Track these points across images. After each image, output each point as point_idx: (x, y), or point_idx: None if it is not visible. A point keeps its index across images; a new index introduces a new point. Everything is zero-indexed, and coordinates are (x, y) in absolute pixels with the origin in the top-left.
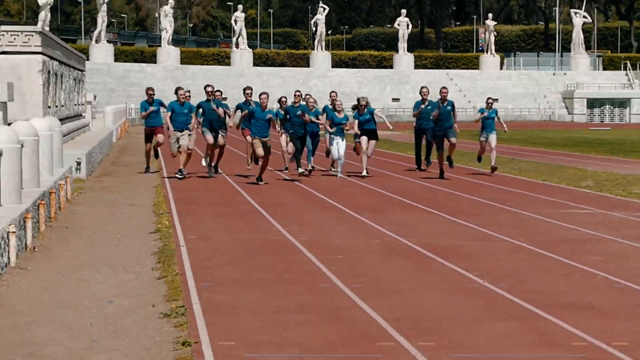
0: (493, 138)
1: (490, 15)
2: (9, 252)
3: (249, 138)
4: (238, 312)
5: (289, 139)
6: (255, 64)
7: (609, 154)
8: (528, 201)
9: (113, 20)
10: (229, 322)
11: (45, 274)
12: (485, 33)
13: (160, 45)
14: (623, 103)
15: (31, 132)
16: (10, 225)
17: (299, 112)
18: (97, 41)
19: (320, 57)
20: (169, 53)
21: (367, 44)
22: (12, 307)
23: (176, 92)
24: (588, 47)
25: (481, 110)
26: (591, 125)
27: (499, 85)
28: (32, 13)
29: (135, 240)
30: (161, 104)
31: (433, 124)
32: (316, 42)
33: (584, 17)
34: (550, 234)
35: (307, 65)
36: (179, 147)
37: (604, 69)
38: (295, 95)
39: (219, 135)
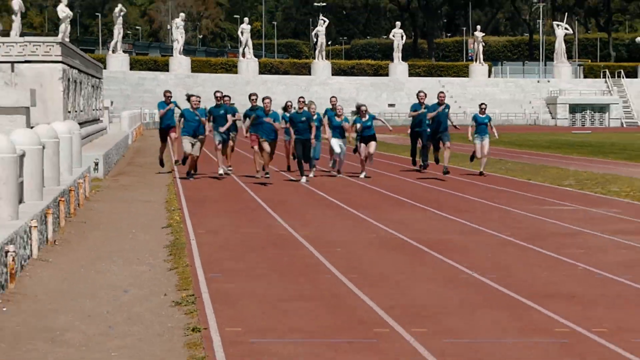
0: (486, 143)
1: (478, 27)
2: (31, 245)
3: (256, 147)
4: (244, 300)
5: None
6: (260, 72)
7: (590, 155)
8: (514, 199)
9: (128, 32)
10: (235, 310)
11: (65, 266)
12: (474, 43)
13: (172, 55)
14: (602, 108)
15: (52, 134)
16: (32, 220)
17: (303, 118)
18: (113, 51)
19: (321, 65)
20: (180, 62)
21: (364, 53)
22: (34, 296)
23: (188, 99)
24: (570, 57)
25: (475, 117)
26: (573, 128)
27: (487, 92)
28: (54, 25)
29: (149, 234)
30: (176, 105)
31: (429, 125)
32: (317, 52)
33: (566, 28)
34: (535, 228)
35: (309, 73)
36: (190, 150)
37: (585, 76)
38: (299, 101)
39: (230, 135)
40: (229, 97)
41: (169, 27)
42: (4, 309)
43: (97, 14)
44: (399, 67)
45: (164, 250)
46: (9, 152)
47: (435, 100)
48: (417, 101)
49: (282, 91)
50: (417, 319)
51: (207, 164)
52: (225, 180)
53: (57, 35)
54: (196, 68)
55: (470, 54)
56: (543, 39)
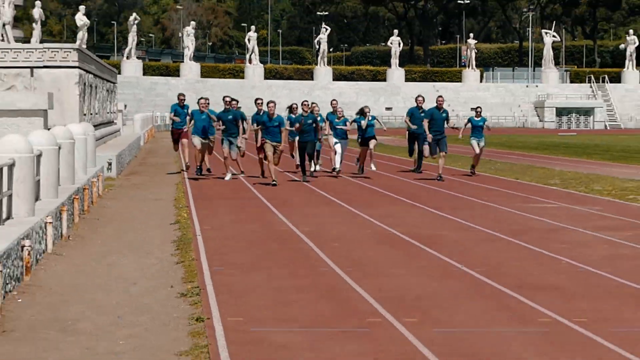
0: (482, 144)
1: (471, 35)
2: (46, 240)
3: (262, 156)
4: (246, 292)
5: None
6: (266, 78)
7: (575, 155)
8: (503, 197)
9: (142, 39)
10: (237, 301)
11: (78, 260)
12: (467, 50)
13: (183, 61)
14: (587, 112)
15: (68, 136)
16: (47, 216)
17: (310, 121)
18: (128, 57)
19: (323, 71)
20: (190, 68)
21: (363, 60)
22: (48, 288)
23: (198, 102)
24: (557, 63)
25: (470, 119)
26: (559, 131)
27: (478, 96)
28: (72, 33)
29: (158, 230)
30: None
31: (430, 128)
32: (319, 58)
33: (554, 36)
34: (522, 225)
35: (311, 78)
36: (200, 145)
37: (571, 81)
38: (303, 104)
39: (237, 138)
40: (237, 101)
41: (180, 34)
42: (20, 300)
43: (112, 22)
44: (396, 72)
45: (172, 245)
46: (26, 152)
47: (434, 104)
48: (413, 105)
49: (286, 95)
50: (408, 309)
51: (217, 167)
52: (230, 180)
53: (75, 42)
54: (205, 73)
55: (463, 60)
56: (532, 46)
